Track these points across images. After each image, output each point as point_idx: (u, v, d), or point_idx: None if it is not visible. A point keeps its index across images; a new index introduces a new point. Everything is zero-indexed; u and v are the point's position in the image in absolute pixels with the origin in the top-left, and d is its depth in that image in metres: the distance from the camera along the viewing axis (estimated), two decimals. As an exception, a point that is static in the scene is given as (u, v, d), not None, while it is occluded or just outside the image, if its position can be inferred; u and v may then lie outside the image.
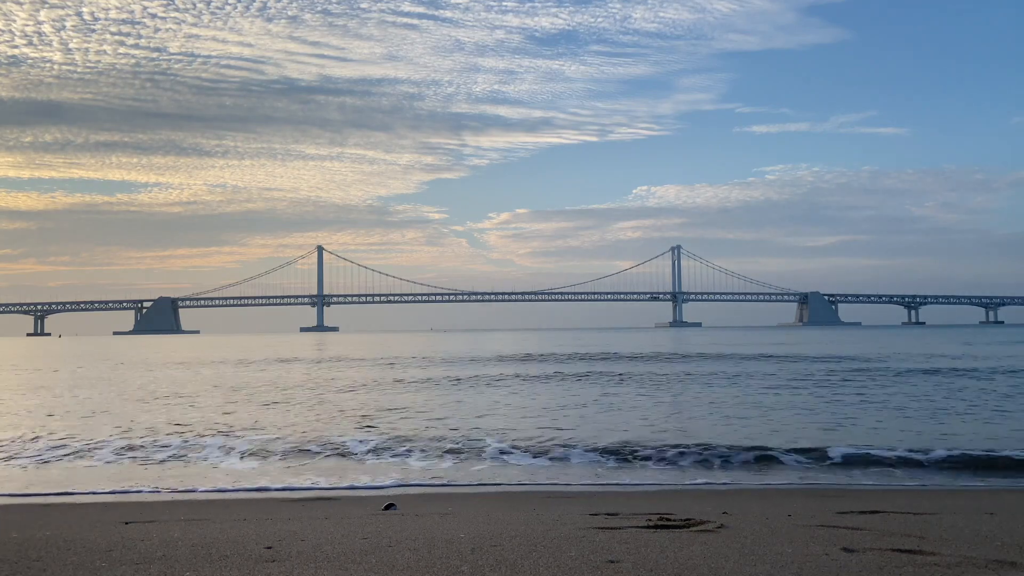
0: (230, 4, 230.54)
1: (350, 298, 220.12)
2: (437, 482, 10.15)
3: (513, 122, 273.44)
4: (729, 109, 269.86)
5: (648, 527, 5.68)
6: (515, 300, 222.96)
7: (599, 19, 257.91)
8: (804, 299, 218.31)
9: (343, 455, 11.81)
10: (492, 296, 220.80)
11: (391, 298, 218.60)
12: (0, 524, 6.45)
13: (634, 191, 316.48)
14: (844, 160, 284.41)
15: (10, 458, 11.83)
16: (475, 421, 15.42)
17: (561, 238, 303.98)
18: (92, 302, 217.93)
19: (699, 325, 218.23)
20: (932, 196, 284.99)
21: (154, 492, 9.68)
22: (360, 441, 12.68)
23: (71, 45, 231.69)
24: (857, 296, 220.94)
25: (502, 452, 11.69)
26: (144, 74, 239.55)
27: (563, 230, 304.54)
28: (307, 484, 10.02)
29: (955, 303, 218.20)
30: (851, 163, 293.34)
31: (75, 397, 22.14)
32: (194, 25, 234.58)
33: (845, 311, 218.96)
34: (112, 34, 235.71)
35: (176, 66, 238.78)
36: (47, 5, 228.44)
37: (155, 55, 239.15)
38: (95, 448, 12.40)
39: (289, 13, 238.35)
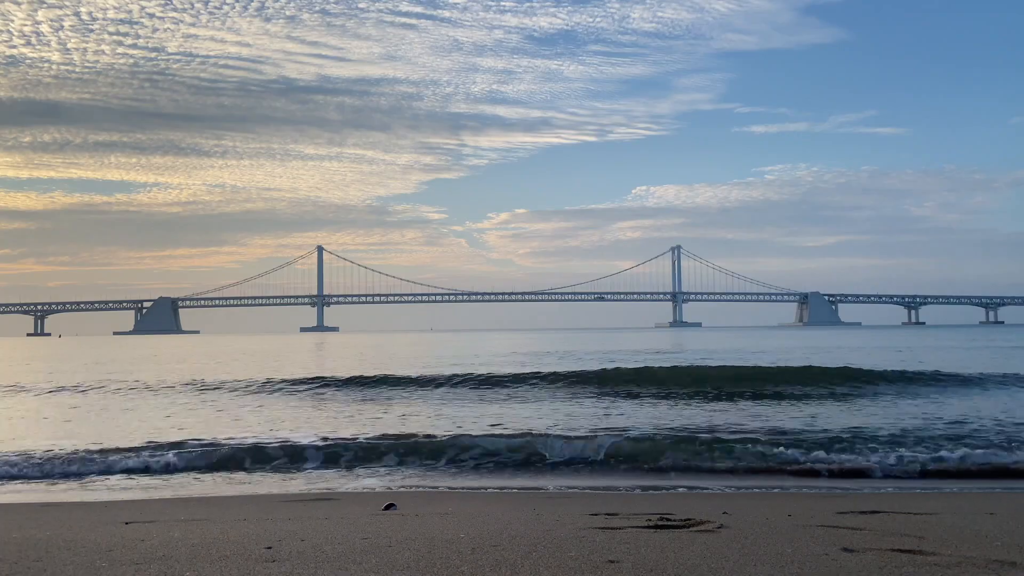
0: (228, 4, 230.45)
1: (350, 298, 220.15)
2: (437, 482, 10.15)
3: (512, 122, 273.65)
4: (728, 109, 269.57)
5: (648, 527, 5.68)
6: (515, 300, 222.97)
7: (597, 19, 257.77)
8: (804, 299, 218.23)
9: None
10: (492, 296, 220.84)
11: (391, 298, 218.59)
12: (0, 524, 6.45)
13: (633, 191, 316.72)
14: (844, 160, 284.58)
15: None
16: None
17: (561, 238, 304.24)
18: (92, 302, 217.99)
19: (699, 325, 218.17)
20: (932, 196, 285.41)
21: (154, 492, 9.68)
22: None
23: (69, 45, 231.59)
24: (857, 296, 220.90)
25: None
26: (142, 74, 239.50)
27: (563, 230, 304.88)
28: (307, 485, 10.03)
29: (955, 303, 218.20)
30: (851, 163, 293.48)
31: None
32: (192, 25, 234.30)
33: (845, 311, 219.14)
34: (110, 34, 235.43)
35: (174, 66, 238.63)
36: (45, 5, 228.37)
37: (153, 55, 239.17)
38: None
39: (287, 13, 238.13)
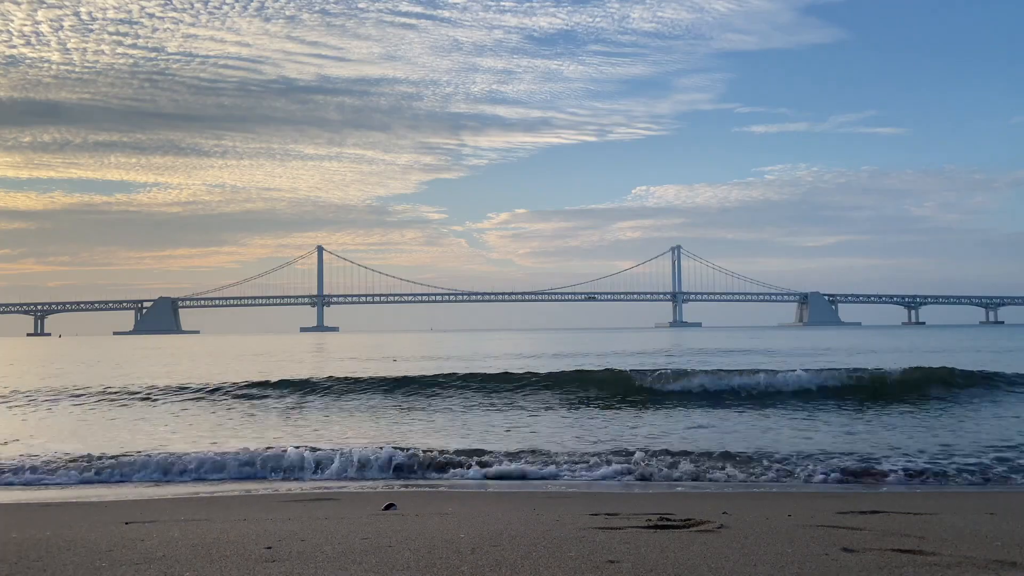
0: (228, 4, 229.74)
1: (350, 298, 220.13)
2: (437, 482, 10.15)
3: (512, 122, 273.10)
4: (728, 109, 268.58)
5: (648, 527, 5.68)
6: (515, 300, 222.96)
7: (597, 19, 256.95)
8: (804, 299, 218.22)
9: None
10: (492, 296, 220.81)
11: (391, 298, 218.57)
12: (0, 524, 6.45)
13: (633, 191, 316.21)
14: (844, 160, 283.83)
15: None
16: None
17: (561, 238, 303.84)
18: (92, 302, 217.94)
19: (699, 325, 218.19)
20: (932, 196, 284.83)
21: (154, 492, 9.68)
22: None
23: (69, 45, 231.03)
24: (857, 296, 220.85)
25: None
26: (142, 74, 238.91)
27: (563, 230, 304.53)
28: (307, 485, 10.03)
29: (955, 303, 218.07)
30: (851, 163, 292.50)
31: None
32: (192, 25, 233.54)
33: (845, 311, 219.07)
34: (110, 34, 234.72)
35: (174, 66, 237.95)
36: (44, 5, 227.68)
37: (153, 55, 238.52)
38: None
39: (287, 13, 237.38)
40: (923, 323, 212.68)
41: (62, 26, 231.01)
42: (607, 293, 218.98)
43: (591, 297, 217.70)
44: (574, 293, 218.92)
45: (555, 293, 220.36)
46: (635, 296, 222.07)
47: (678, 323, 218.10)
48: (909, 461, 10.74)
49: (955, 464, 10.55)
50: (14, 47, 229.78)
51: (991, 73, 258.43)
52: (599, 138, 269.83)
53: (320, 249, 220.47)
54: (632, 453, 11.16)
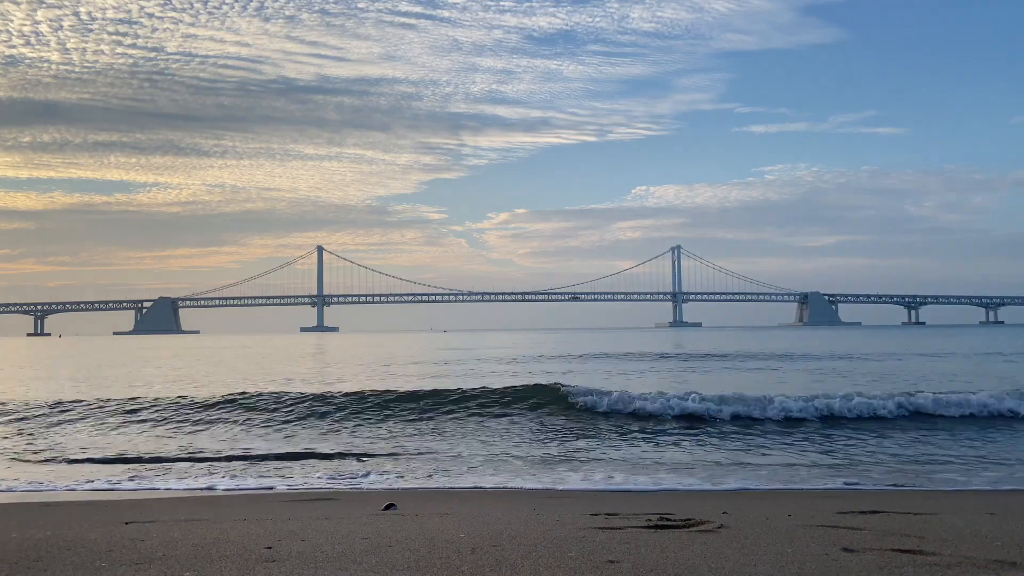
0: (227, 4, 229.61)
1: (350, 298, 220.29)
2: (437, 482, 10.16)
3: (511, 122, 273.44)
4: (728, 109, 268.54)
5: (648, 527, 5.68)
6: (515, 300, 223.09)
7: (597, 19, 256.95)
8: (804, 299, 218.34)
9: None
10: (492, 296, 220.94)
11: (391, 298, 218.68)
12: (0, 524, 6.45)
13: (633, 191, 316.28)
14: (844, 160, 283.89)
15: None
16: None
17: (560, 238, 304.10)
18: (92, 302, 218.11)
19: (699, 325, 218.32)
20: (932, 196, 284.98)
21: (154, 492, 9.69)
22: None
23: (68, 45, 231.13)
24: (857, 296, 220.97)
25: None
26: (142, 74, 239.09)
27: (562, 230, 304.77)
28: (307, 483, 10.03)
29: (955, 303, 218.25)
30: (851, 163, 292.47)
31: None
32: (191, 25, 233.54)
33: (845, 311, 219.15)
34: (109, 34, 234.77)
35: (174, 66, 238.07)
36: (44, 5, 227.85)
37: (153, 55, 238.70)
38: None
39: (286, 13, 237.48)
40: (923, 323, 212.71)
41: (62, 26, 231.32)
42: (607, 293, 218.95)
43: (575, 297, 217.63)
44: (574, 293, 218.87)
45: (555, 293, 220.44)
46: (635, 296, 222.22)
47: (678, 323, 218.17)
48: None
49: None
50: (14, 47, 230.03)
51: (991, 73, 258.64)
52: (599, 138, 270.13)
53: (320, 249, 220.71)
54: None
